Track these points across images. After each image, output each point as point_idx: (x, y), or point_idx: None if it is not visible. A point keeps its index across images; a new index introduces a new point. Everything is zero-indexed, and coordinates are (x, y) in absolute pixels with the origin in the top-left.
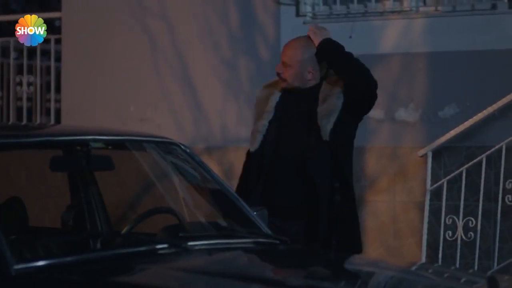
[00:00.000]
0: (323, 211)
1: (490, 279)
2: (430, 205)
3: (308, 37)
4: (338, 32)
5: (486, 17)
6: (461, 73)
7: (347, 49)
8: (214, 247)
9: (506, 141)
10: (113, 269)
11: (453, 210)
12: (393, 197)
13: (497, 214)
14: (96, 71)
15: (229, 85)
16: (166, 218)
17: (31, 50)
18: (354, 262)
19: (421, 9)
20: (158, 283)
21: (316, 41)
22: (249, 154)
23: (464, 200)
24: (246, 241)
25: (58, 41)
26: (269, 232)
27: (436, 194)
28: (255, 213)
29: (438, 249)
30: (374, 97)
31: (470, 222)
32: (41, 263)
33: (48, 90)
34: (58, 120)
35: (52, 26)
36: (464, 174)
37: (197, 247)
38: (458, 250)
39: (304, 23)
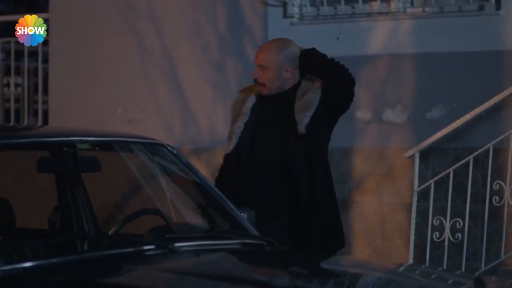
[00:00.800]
0: (304, 205)
1: (477, 280)
2: (417, 206)
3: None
4: (325, 33)
5: (474, 18)
6: (449, 75)
7: (335, 51)
8: (201, 248)
9: (494, 142)
10: (100, 270)
11: (440, 211)
12: (381, 198)
13: (485, 215)
14: (84, 73)
15: (217, 87)
16: (153, 219)
17: (19, 52)
18: (342, 264)
19: (408, 10)
20: (145, 284)
21: None
22: (225, 157)
23: (452, 201)
24: (233, 242)
25: (45, 43)
26: (256, 233)
27: (423, 195)
28: (242, 214)
29: (426, 250)
30: (352, 94)
31: (458, 223)
32: (28, 264)
33: (36, 91)
34: (46, 121)
35: None
36: (451, 175)
37: (184, 248)
38: (446, 251)
39: (291, 24)
